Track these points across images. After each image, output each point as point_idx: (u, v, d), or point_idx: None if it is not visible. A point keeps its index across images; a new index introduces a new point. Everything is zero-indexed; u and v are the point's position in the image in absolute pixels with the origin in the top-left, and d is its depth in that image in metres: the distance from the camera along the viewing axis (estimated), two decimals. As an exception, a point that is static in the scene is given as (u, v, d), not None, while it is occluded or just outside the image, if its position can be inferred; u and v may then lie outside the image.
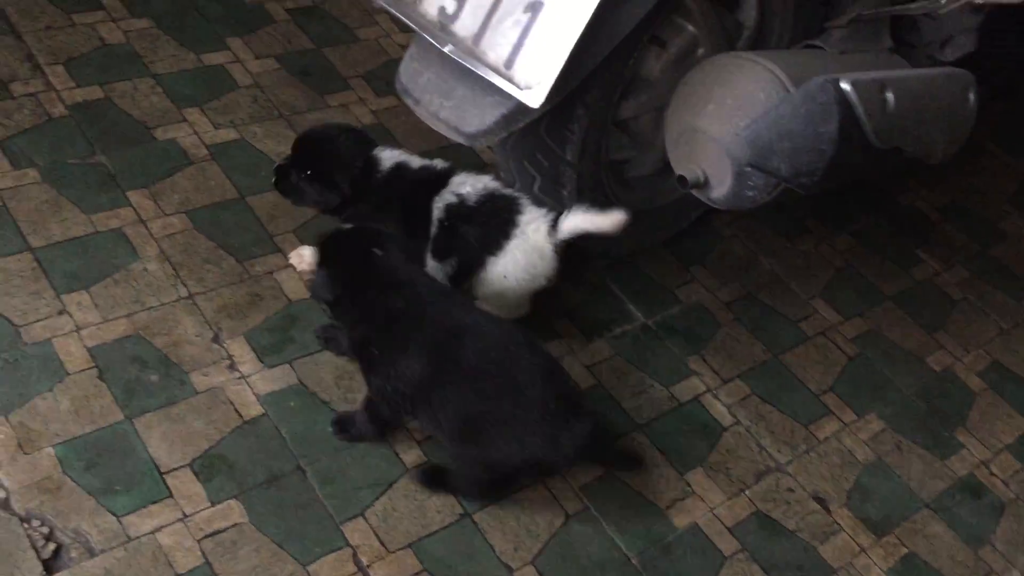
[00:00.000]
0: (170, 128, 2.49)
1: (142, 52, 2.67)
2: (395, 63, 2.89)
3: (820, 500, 2.23)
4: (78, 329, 2.04)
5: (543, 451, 1.86)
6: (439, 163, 2.21)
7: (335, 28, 2.99)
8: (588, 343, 2.39)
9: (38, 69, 2.52)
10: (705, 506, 2.14)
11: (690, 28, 2.23)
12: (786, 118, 1.82)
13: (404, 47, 2.99)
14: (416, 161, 2.21)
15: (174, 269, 2.21)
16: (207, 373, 2.06)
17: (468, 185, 2.15)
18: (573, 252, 2.15)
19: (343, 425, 2.03)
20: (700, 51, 2.26)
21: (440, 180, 2.17)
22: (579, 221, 2.09)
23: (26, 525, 1.75)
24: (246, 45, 2.81)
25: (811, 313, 2.64)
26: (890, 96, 1.91)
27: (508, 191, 2.17)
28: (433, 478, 2.01)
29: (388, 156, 2.19)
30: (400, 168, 2.18)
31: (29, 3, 2.68)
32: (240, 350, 2.12)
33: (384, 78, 2.88)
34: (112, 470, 1.86)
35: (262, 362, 2.11)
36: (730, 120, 1.91)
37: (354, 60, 2.91)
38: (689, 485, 2.17)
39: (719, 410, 2.34)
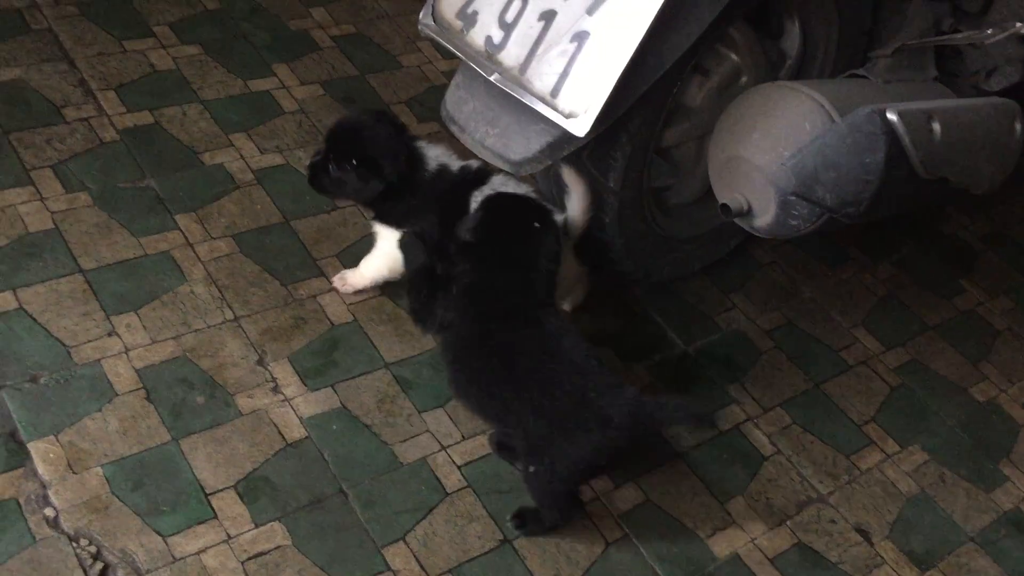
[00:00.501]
0: (217, 153, 2.54)
1: (191, 78, 2.72)
2: (437, 89, 2.96)
3: (863, 532, 2.20)
4: (127, 350, 2.08)
5: (599, 435, 1.83)
6: (475, 163, 2.20)
7: (378, 55, 3.03)
8: (628, 370, 2.39)
9: (90, 94, 2.58)
10: (746, 536, 2.13)
11: (733, 57, 2.25)
12: (832, 148, 1.82)
13: (446, 74, 3.03)
14: (455, 159, 2.22)
15: (220, 292, 2.24)
16: (251, 395, 2.08)
17: (511, 186, 2.15)
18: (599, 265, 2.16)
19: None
20: (743, 80, 2.27)
21: (480, 179, 2.17)
22: (571, 213, 2.14)
23: (74, 544, 1.77)
24: (292, 72, 2.86)
25: (852, 342, 2.63)
26: (937, 126, 1.90)
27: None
28: (526, 520, 2.00)
29: (433, 153, 2.20)
30: (445, 166, 2.19)
31: (82, 30, 2.75)
32: (284, 373, 2.14)
33: (426, 104, 2.91)
34: (158, 490, 1.88)
35: (305, 385, 2.13)
36: (775, 149, 1.91)
37: (396, 86, 2.94)
38: (729, 514, 2.15)
39: (760, 439, 2.32)
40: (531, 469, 1.93)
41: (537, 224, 1.96)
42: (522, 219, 1.99)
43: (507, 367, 1.89)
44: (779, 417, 2.38)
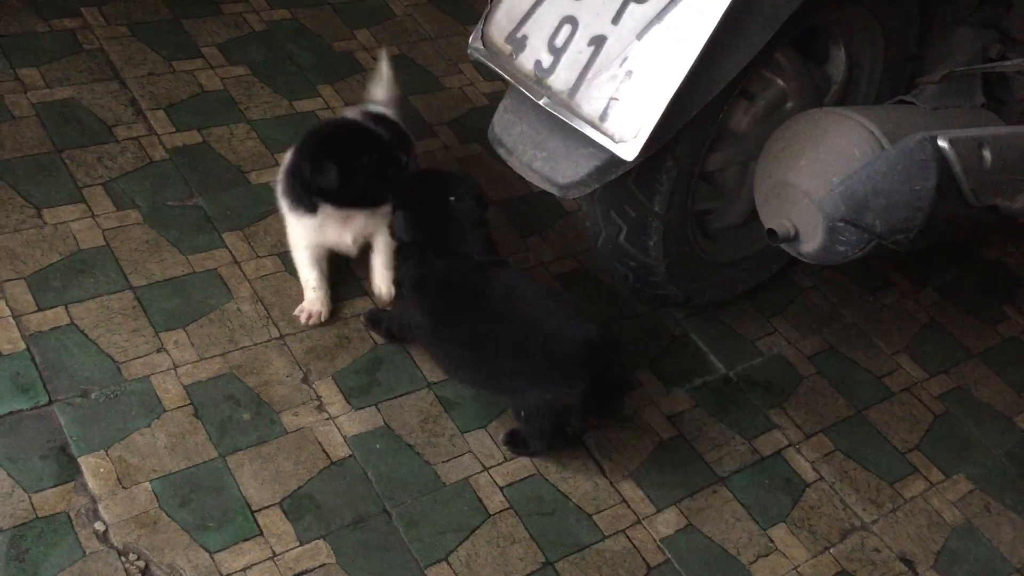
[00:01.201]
0: (264, 172, 2.57)
1: (238, 98, 2.76)
2: (479, 111, 2.99)
3: (907, 562, 2.18)
4: (175, 367, 2.10)
5: (561, 375, 1.95)
6: None
7: (421, 76, 3.06)
8: (668, 394, 2.38)
9: (140, 114, 2.62)
10: (788, 563, 2.11)
11: (779, 82, 2.25)
12: (882, 175, 1.81)
13: (487, 95, 3.05)
14: None
15: (266, 310, 2.26)
16: (297, 413, 2.10)
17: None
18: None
19: None
20: (788, 105, 2.27)
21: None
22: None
23: (123, 559, 1.79)
24: (336, 92, 2.89)
25: (895, 369, 2.61)
26: (987, 153, 1.89)
27: None
28: (514, 440, 2.15)
29: None
30: None
31: (133, 50, 2.80)
32: (328, 391, 2.15)
33: (468, 125, 2.93)
34: (206, 506, 1.90)
35: (349, 404, 2.14)
36: (823, 175, 1.91)
37: (439, 108, 2.97)
38: (772, 541, 2.14)
39: (802, 465, 2.31)
40: (521, 414, 2.06)
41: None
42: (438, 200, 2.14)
43: (472, 330, 2.04)
44: (821, 443, 2.37)
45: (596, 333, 1.97)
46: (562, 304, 2.05)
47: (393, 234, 2.16)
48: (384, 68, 2.55)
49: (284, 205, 2.23)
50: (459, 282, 2.06)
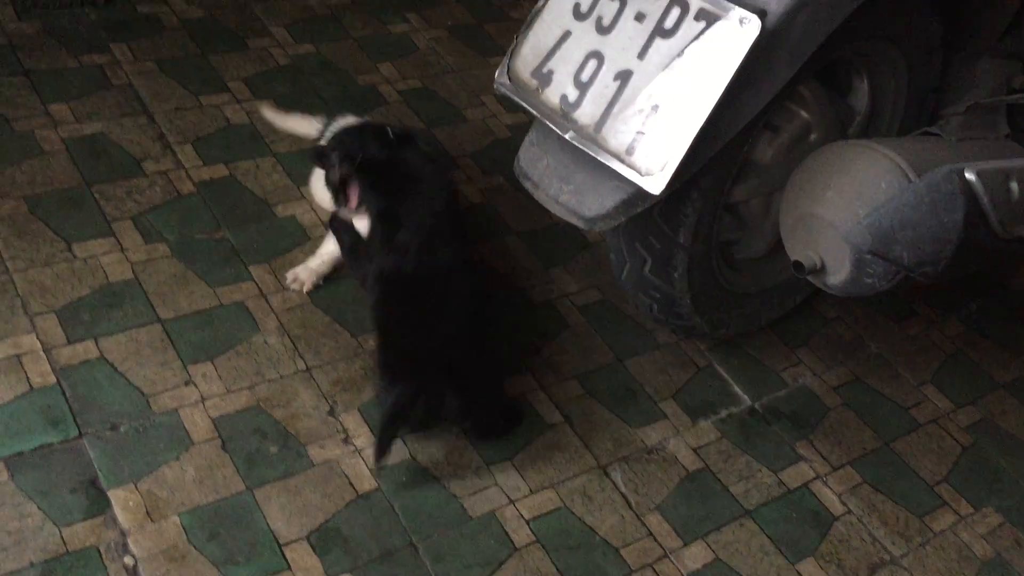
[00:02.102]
0: (289, 205, 2.59)
1: (264, 132, 2.79)
2: (501, 143, 3.01)
3: (938, 596, 2.16)
4: (203, 400, 2.11)
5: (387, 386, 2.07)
6: None
7: (444, 108, 3.09)
8: (694, 425, 2.38)
9: (168, 148, 2.65)
10: (818, 598, 2.09)
11: (803, 114, 2.26)
12: (909, 207, 1.81)
13: (510, 127, 3.07)
14: None
15: (292, 343, 2.28)
16: (323, 446, 2.10)
17: None
18: None
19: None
20: (812, 137, 2.28)
21: None
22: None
23: (153, 592, 1.80)
24: (360, 125, 2.92)
25: (922, 400, 2.59)
26: (1014, 185, 1.89)
27: None
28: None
29: None
30: None
31: (160, 85, 2.84)
32: (354, 424, 2.16)
33: (491, 157, 2.95)
34: (234, 540, 1.90)
35: (375, 436, 2.14)
36: (850, 207, 1.91)
37: (462, 139, 2.99)
38: (800, 575, 2.12)
39: (829, 498, 2.29)
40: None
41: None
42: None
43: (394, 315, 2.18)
44: (849, 476, 2.35)
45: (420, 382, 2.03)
46: (458, 339, 2.11)
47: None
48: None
49: None
50: (412, 280, 2.18)
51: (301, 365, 2.24)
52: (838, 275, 1.99)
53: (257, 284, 2.38)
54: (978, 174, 1.81)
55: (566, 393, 2.35)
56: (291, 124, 2.75)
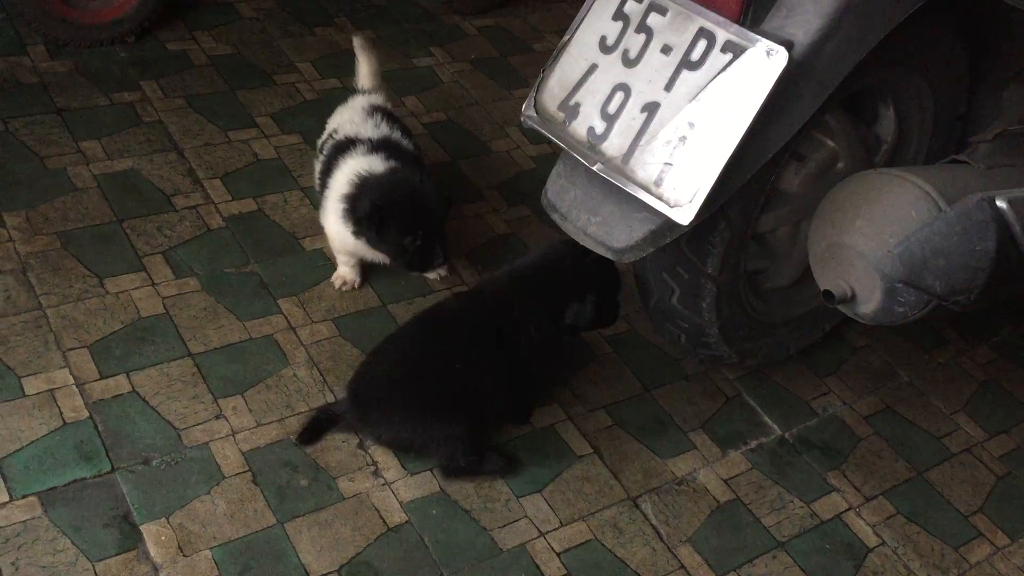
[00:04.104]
0: (317, 238, 2.61)
1: (291, 166, 2.82)
2: (525, 174, 3.02)
3: (976, 629, 2.12)
4: (233, 433, 2.12)
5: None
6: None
7: (468, 141, 3.11)
8: (724, 456, 2.36)
9: (198, 183, 2.68)
10: (854, 631, 2.06)
11: (829, 143, 2.26)
12: (941, 236, 1.80)
13: (534, 159, 3.09)
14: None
15: (322, 375, 2.28)
16: (353, 479, 2.10)
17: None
18: None
19: None
20: (839, 166, 2.28)
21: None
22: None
23: (185, 627, 1.79)
24: (386, 158, 2.94)
25: (954, 429, 2.56)
26: (1046, 213, 1.88)
27: None
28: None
29: None
30: None
31: (190, 121, 2.88)
32: (383, 456, 2.16)
33: (516, 188, 2.97)
34: (265, 575, 1.90)
35: (405, 469, 2.15)
36: (880, 236, 1.90)
37: (487, 171, 3.01)
38: (836, 608, 2.10)
39: (863, 529, 2.26)
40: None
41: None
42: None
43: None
44: (882, 506, 2.32)
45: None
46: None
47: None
48: (363, 56, 2.70)
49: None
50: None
51: (330, 397, 2.25)
52: (869, 304, 1.98)
53: (286, 317, 2.39)
54: (1009, 202, 1.79)
55: (595, 424, 2.35)
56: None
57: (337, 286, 2.49)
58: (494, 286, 2.25)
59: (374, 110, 2.56)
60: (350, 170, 2.36)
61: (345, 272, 2.50)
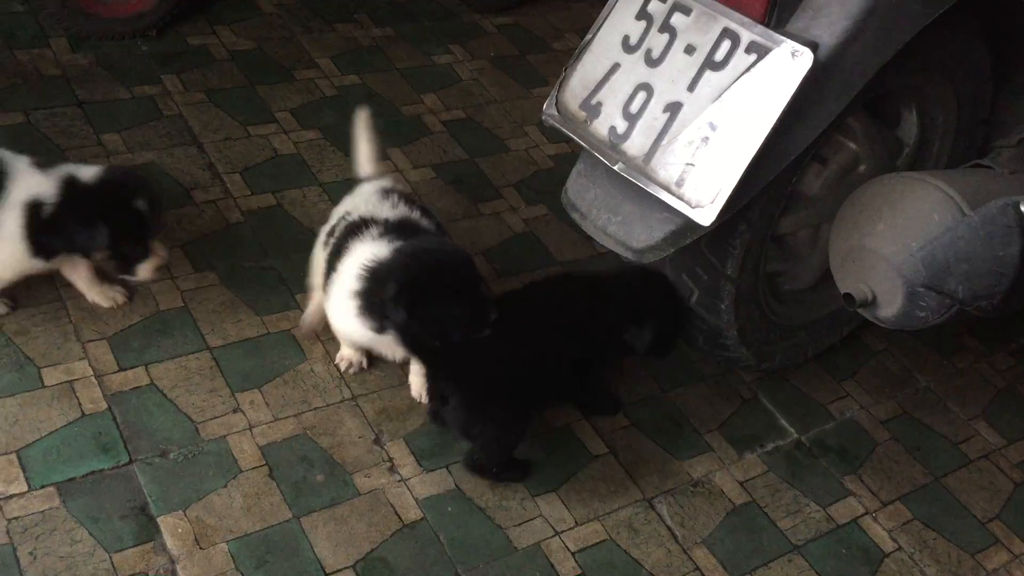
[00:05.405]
0: (335, 234, 2.61)
1: (310, 162, 2.82)
2: (544, 173, 3.02)
3: (993, 637, 2.11)
4: (251, 427, 2.12)
5: None
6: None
7: (487, 139, 3.11)
8: (740, 458, 2.35)
9: (218, 177, 2.69)
10: (869, 637, 2.05)
11: (851, 146, 2.25)
12: (964, 240, 1.79)
13: (552, 157, 3.09)
14: None
15: (339, 371, 2.28)
16: (369, 475, 2.10)
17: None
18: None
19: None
20: (861, 168, 2.27)
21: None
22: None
23: (201, 620, 1.80)
24: (405, 155, 2.95)
25: (972, 435, 2.55)
26: (1071, 219, 1.86)
27: None
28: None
29: None
30: None
31: (210, 116, 2.89)
32: (400, 453, 2.16)
33: (534, 187, 2.96)
34: (281, 569, 1.90)
35: (420, 466, 2.15)
36: (902, 240, 1.89)
37: (505, 169, 3.01)
38: (851, 613, 2.09)
39: (879, 534, 2.25)
40: None
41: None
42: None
43: None
44: (899, 512, 2.31)
45: None
46: None
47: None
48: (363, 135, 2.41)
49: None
50: None
51: (347, 394, 2.25)
52: (890, 308, 1.97)
53: (304, 312, 2.39)
54: (1034, 207, 1.78)
55: (611, 424, 2.34)
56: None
57: (343, 368, 2.29)
58: (573, 283, 2.24)
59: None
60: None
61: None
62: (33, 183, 2.06)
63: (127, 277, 2.20)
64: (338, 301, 2.09)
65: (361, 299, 2.01)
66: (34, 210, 2.03)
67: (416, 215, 2.19)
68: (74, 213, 2.05)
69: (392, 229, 2.10)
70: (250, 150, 2.81)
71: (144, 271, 2.16)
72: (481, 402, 2.04)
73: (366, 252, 2.04)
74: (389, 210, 2.16)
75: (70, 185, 2.06)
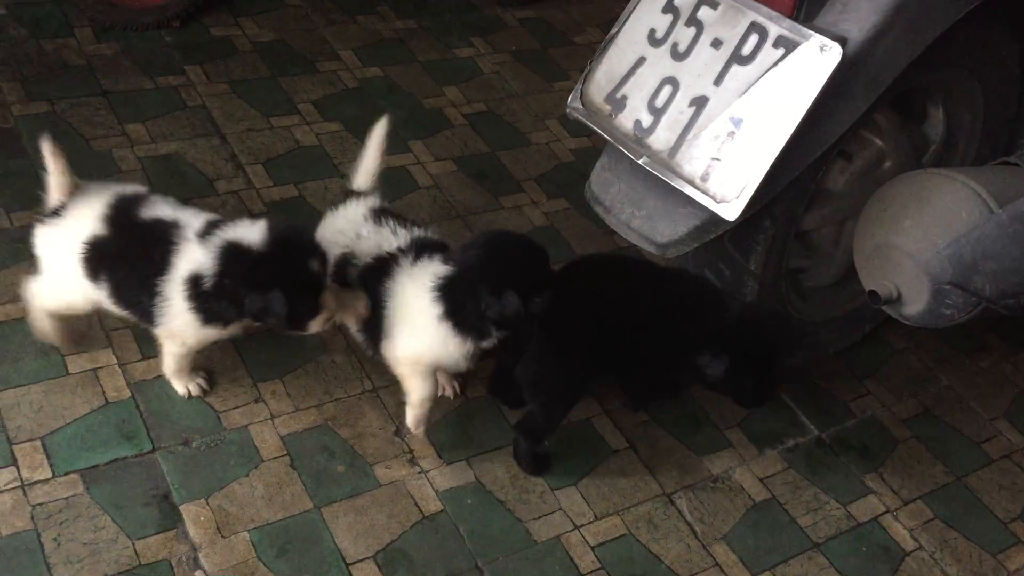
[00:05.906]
0: (357, 226, 2.61)
1: (332, 153, 2.83)
2: (565, 166, 3.01)
3: (1014, 638, 2.10)
4: (272, 417, 2.13)
5: None
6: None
7: (508, 132, 3.10)
8: (760, 454, 2.34)
9: (240, 168, 2.70)
10: (889, 635, 2.04)
11: (877, 142, 2.24)
12: (992, 238, 1.78)
13: (573, 151, 3.08)
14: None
15: (360, 362, 2.29)
16: (389, 466, 2.11)
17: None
18: None
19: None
20: (886, 165, 2.26)
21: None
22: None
23: (222, 608, 1.81)
24: (426, 148, 2.95)
25: (994, 435, 2.53)
26: (1100, 217, 1.85)
27: None
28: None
29: None
30: None
31: (233, 107, 2.89)
32: (420, 445, 2.16)
33: (555, 181, 2.96)
34: (301, 558, 1.91)
35: (441, 458, 2.15)
36: (929, 238, 1.88)
37: (526, 163, 3.00)
38: (871, 611, 2.08)
39: (900, 533, 2.24)
40: None
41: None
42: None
43: None
44: (920, 510, 2.30)
45: None
46: None
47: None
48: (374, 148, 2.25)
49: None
50: None
51: (368, 385, 2.25)
52: (915, 305, 1.96)
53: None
54: (1063, 205, 1.77)
55: (631, 419, 2.34)
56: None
57: (423, 431, 2.16)
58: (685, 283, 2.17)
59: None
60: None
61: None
62: (196, 256, 1.88)
63: (298, 333, 2.03)
64: (423, 336, 1.97)
65: (452, 317, 1.93)
66: (196, 283, 1.88)
67: (419, 232, 2.10)
68: (246, 282, 1.86)
69: (421, 250, 2.02)
70: (272, 141, 2.82)
71: (315, 326, 1.96)
72: (557, 356, 2.00)
73: (418, 282, 1.96)
74: (402, 236, 2.07)
75: (235, 254, 1.87)
